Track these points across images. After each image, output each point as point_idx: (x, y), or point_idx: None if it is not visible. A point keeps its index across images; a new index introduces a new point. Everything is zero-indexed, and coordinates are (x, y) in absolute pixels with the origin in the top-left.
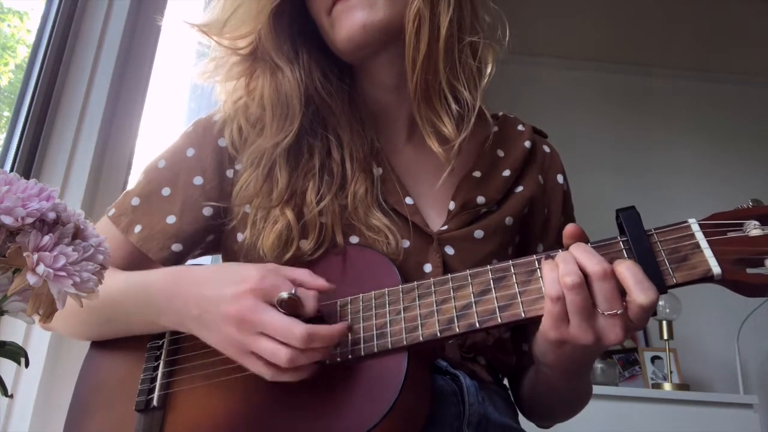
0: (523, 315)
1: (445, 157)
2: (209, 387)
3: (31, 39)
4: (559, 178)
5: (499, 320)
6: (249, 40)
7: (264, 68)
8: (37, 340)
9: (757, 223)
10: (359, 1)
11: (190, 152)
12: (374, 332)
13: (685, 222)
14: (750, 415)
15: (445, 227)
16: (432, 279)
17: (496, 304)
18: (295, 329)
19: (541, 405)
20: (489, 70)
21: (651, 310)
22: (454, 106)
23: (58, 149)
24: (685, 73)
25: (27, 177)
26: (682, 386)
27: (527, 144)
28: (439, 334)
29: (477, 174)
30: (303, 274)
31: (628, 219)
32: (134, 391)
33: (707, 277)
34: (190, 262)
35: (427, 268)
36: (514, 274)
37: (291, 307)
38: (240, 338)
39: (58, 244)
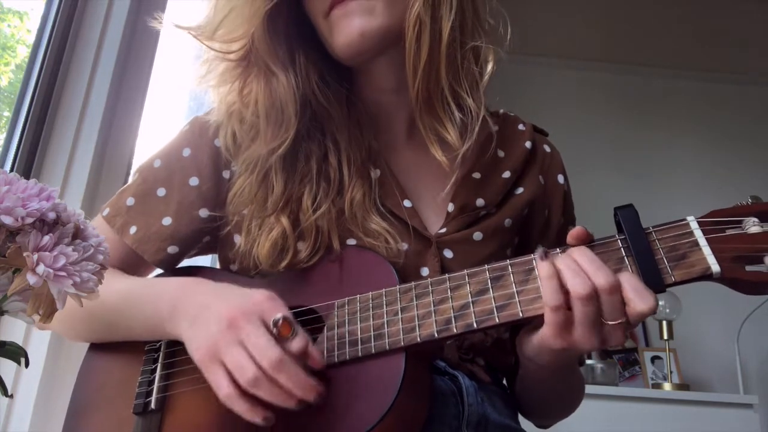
0: (521, 315)
1: (448, 165)
2: (207, 389)
3: (31, 39)
4: (560, 178)
5: (497, 320)
6: (241, 44)
7: (258, 73)
8: (37, 340)
9: (756, 220)
10: (357, 6)
11: (186, 152)
12: (371, 333)
13: (684, 220)
14: (750, 415)
15: (444, 230)
16: (429, 279)
17: (493, 304)
18: (272, 351)
19: (536, 402)
20: (489, 67)
21: (651, 314)
22: (457, 114)
23: (58, 149)
24: (685, 73)
25: (27, 177)
26: (682, 386)
27: (528, 144)
28: (436, 335)
29: (477, 175)
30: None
31: (626, 217)
32: (132, 394)
33: (706, 275)
34: (186, 262)
35: (425, 271)
36: (512, 273)
37: (283, 331)
38: (219, 340)
39: (58, 244)
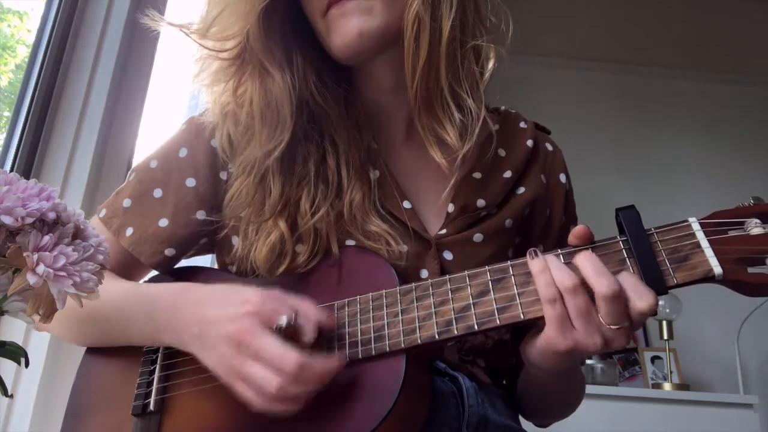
0: (522, 316)
1: (448, 167)
2: (206, 391)
3: (31, 39)
4: (562, 177)
5: (498, 322)
6: (235, 42)
7: (252, 72)
8: (37, 340)
9: (758, 221)
10: (355, 5)
11: (183, 153)
12: (372, 335)
13: (686, 221)
14: (750, 415)
15: (444, 231)
16: (430, 280)
17: (494, 306)
18: (289, 358)
19: (538, 402)
20: (490, 66)
21: (651, 314)
22: (456, 114)
23: (58, 149)
24: (685, 73)
25: (27, 177)
26: (682, 386)
27: (529, 143)
28: (437, 337)
29: (477, 175)
30: (306, 305)
31: (627, 218)
32: (131, 396)
33: (708, 278)
34: (184, 262)
35: (424, 273)
36: (513, 275)
37: (289, 334)
38: (234, 360)
39: (58, 244)
